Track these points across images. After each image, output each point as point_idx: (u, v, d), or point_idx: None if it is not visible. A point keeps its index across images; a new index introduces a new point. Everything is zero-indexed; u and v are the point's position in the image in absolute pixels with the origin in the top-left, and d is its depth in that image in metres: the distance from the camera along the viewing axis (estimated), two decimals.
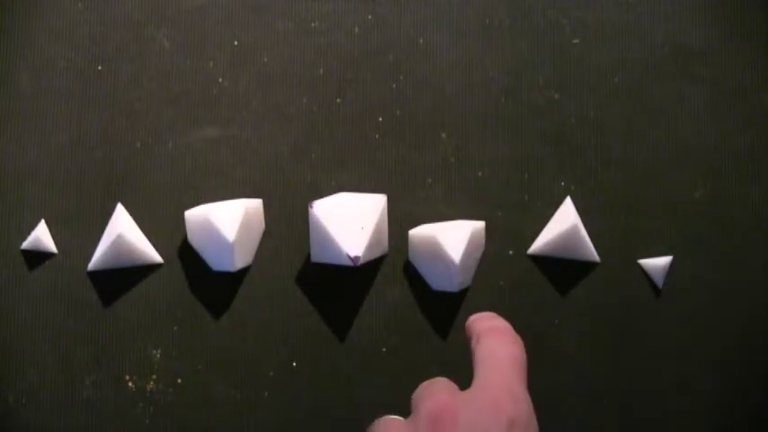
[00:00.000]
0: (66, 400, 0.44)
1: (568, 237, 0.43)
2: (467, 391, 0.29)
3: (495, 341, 0.31)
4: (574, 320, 0.44)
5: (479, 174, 0.45)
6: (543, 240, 0.44)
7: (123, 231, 0.43)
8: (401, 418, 0.29)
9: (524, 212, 0.44)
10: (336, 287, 0.44)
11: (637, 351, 0.44)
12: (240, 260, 0.43)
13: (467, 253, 0.42)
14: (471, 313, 0.43)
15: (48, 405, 0.43)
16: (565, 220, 0.44)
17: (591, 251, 0.44)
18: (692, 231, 0.44)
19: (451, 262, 0.41)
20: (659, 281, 0.44)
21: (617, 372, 0.44)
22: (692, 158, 0.45)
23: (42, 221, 0.44)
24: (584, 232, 0.44)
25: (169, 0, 0.46)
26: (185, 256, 0.44)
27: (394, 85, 0.45)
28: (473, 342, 0.32)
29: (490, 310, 0.43)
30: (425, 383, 0.30)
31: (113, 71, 0.45)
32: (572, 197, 0.44)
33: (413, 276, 0.44)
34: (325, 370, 0.44)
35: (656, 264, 0.44)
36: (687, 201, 0.45)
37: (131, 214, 0.44)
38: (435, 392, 0.29)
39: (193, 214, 0.43)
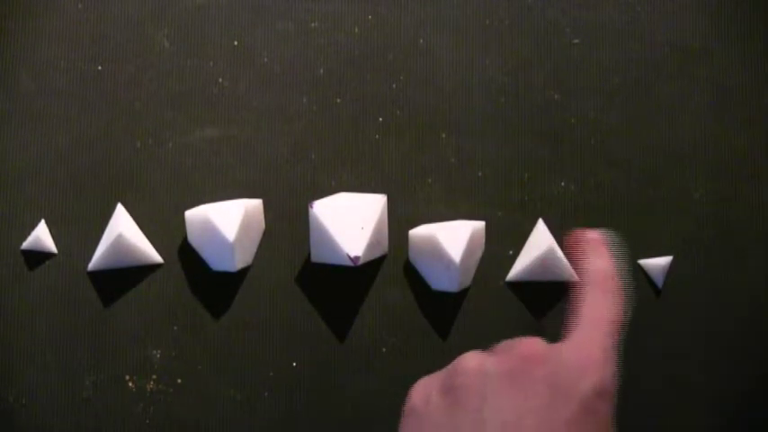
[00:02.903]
0: (66, 400, 0.44)
1: (545, 260, 0.42)
2: (561, 342, 0.30)
3: (602, 299, 0.32)
4: None
5: (479, 174, 0.45)
6: (520, 266, 0.43)
7: (123, 231, 0.43)
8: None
9: (524, 212, 0.44)
10: (336, 287, 0.44)
11: (637, 351, 0.44)
12: (240, 260, 0.43)
13: (467, 253, 0.41)
14: (471, 313, 0.44)
15: (48, 405, 0.43)
16: (541, 244, 0.43)
17: (569, 271, 0.42)
18: (692, 231, 0.44)
19: (451, 262, 0.41)
20: (659, 281, 0.44)
21: (616, 371, 0.44)
22: (692, 158, 0.45)
23: (42, 221, 0.44)
24: (560, 253, 0.42)
25: (169, 0, 0.46)
26: (185, 256, 0.44)
27: (394, 85, 0.45)
28: (584, 275, 0.32)
29: (490, 310, 0.44)
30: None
31: (113, 71, 0.45)
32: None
33: (413, 276, 0.44)
34: (326, 370, 0.44)
35: (656, 264, 0.44)
36: (687, 201, 0.45)
37: (131, 214, 0.44)
38: (530, 339, 0.30)
39: (193, 214, 0.43)
